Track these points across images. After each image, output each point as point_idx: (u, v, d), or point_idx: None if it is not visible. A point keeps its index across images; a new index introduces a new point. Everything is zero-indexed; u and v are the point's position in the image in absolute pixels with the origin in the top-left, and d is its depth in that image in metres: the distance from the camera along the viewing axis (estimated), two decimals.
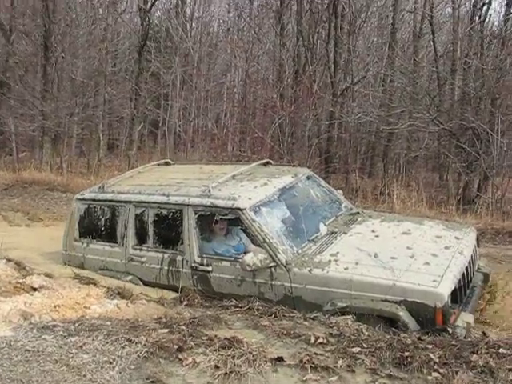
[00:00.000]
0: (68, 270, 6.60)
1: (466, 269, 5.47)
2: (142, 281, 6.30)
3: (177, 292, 5.93)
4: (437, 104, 13.36)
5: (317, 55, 16.36)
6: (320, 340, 4.24)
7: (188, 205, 5.99)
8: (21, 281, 5.87)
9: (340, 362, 3.88)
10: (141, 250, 6.33)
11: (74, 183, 13.57)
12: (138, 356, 3.98)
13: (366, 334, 4.44)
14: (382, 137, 15.41)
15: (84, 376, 3.74)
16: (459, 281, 5.21)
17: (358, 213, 6.80)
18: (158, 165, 8.00)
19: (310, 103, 14.12)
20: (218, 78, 20.78)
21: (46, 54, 17.16)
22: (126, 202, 6.47)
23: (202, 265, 5.89)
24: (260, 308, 5.02)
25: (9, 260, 6.65)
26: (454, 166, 12.72)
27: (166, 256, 6.15)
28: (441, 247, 5.65)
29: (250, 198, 5.87)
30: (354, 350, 4.08)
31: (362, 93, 16.31)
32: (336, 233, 6.06)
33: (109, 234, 6.60)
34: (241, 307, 5.07)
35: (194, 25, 20.72)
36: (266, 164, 7.39)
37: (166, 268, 6.13)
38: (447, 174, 13.24)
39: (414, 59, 14.86)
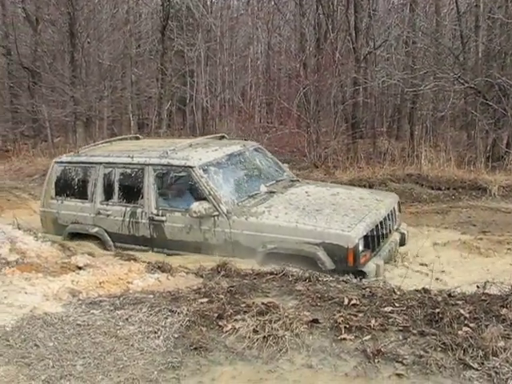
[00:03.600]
0: (110, 248, 7.00)
1: (381, 223, 6.25)
2: (106, 232, 7.14)
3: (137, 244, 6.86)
4: (461, 62, 13.12)
5: (337, 22, 16.15)
6: (353, 302, 4.38)
7: (148, 164, 6.85)
8: (66, 260, 6.17)
9: (373, 321, 4.02)
10: (107, 204, 7.16)
11: None
12: (181, 325, 4.21)
13: (398, 293, 4.57)
14: (407, 99, 15.21)
15: (132, 345, 3.99)
16: (372, 230, 5.99)
17: (298, 180, 7.73)
18: (129, 139, 9.02)
19: (333, 70, 14.04)
20: (241, 51, 20.69)
21: (72, 40, 17.31)
22: (96, 163, 7.32)
23: (157, 215, 6.72)
24: (294, 274, 5.18)
25: (54, 242, 6.98)
26: (482, 123, 12.52)
27: (128, 209, 6.98)
28: (361, 205, 6.52)
29: (200, 159, 6.73)
30: (386, 309, 4.23)
31: (385, 56, 16.14)
32: (274, 192, 6.88)
33: (80, 192, 7.43)
34: (276, 274, 5.24)
35: (214, 0, 20.64)
36: (222, 138, 8.47)
37: (127, 220, 6.96)
38: (475, 132, 13.07)
39: (436, 19, 14.57)
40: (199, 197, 6.42)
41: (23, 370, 3.77)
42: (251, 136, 13.22)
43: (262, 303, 4.40)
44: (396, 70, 13.84)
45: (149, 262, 5.96)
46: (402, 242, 6.93)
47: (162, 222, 6.67)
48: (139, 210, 6.84)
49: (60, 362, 3.82)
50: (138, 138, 8.98)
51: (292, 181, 7.57)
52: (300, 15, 16.65)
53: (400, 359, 3.59)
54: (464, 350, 3.57)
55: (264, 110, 17.71)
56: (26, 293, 5.08)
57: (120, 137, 9.14)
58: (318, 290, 4.73)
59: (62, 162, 7.75)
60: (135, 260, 6.20)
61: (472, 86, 12.23)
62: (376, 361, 3.60)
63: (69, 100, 16.97)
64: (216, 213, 6.28)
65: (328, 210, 6.22)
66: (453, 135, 14.43)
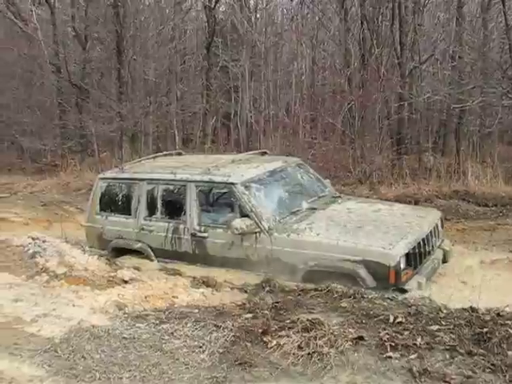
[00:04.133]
0: (154, 263, 7.05)
1: (423, 240, 6.15)
2: (149, 247, 7.20)
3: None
4: (509, 76, 12.87)
5: (382, 37, 16.04)
6: (399, 319, 4.35)
7: (191, 181, 6.90)
8: (113, 274, 6.28)
9: (419, 340, 3.98)
10: (150, 220, 7.24)
11: None
12: (226, 340, 4.23)
13: (444, 312, 4.50)
14: (453, 114, 15.02)
15: (177, 360, 4.03)
16: (414, 248, 5.91)
17: (340, 196, 7.71)
18: (171, 154, 9.10)
19: (378, 86, 13.96)
20: (286, 67, 20.72)
21: (119, 57, 17.64)
22: (140, 179, 7.42)
23: (200, 232, 6.75)
24: (339, 290, 5.16)
25: (100, 255, 7.13)
26: None
27: (170, 225, 7.02)
28: (402, 222, 6.45)
29: (242, 175, 6.78)
30: (432, 327, 4.17)
31: (431, 71, 15.95)
32: (316, 209, 6.86)
33: (124, 208, 7.53)
34: (320, 290, 5.23)
35: (258, 16, 20.73)
36: (263, 154, 8.52)
37: (170, 235, 7.00)
38: None
39: (483, 32, 14.33)
40: (241, 213, 6.47)
41: (71, 382, 3.85)
42: (296, 152, 13.22)
43: (307, 319, 4.39)
44: (442, 85, 13.68)
45: (194, 277, 6.04)
46: (445, 260, 6.84)
47: (204, 238, 6.71)
48: (182, 226, 6.90)
49: (106, 374, 3.89)
50: (180, 154, 9.09)
51: (334, 197, 7.57)
52: (345, 31, 16.61)
53: (447, 379, 3.53)
54: None
55: (308, 126, 17.66)
56: (73, 305, 5.20)
57: (163, 153, 9.31)
58: (362, 307, 4.71)
59: (106, 179, 7.90)
60: (180, 274, 6.28)
61: None
62: (422, 380, 3.56)
63: (115, 116, 17.27)
64: (257, 229, 6.30)
65: (369, 227, 6.20)
66: (501, 150, 14.13)
